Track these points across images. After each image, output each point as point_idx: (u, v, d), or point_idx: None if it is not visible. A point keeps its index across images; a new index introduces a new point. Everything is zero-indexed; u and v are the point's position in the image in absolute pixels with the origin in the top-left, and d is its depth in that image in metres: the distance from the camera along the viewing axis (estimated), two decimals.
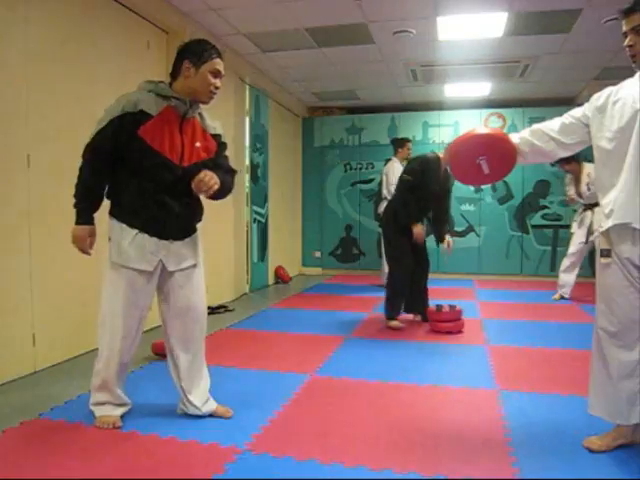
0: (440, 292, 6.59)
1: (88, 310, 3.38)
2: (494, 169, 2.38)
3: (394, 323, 4.53)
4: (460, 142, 2.45)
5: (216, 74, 2.37)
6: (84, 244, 2.35)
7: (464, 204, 8.08)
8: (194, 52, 2.34)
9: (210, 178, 2.30)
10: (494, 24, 5.00)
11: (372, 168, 8.38)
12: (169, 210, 2.39)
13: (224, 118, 5.88)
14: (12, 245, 3.12)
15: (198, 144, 2.43)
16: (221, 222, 5.90)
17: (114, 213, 2.39)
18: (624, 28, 2.02)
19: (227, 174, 2.56)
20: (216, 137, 2.54)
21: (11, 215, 3.10)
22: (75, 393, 2.87)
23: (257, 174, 6.85)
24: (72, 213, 2.35)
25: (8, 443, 2.26)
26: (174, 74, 2.40)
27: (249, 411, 2.62)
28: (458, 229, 8.10)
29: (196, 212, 2.60)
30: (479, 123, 7.78)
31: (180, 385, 2.56)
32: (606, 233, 2.14)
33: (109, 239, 2.39)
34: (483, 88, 7.43)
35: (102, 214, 2.41)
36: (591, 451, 2.18)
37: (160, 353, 3.57)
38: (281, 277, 7.63)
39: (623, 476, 1.99)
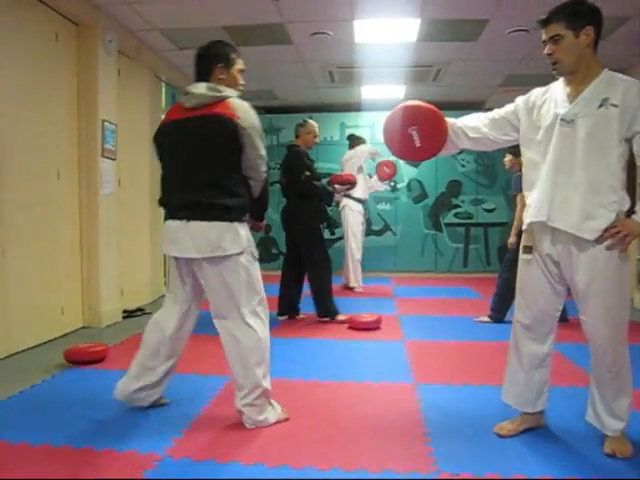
0: (357, 291, 6.73)
1: None
2: (425, 141, 2.42)
3: (341, 316, 4.65)
4: (394, 111, 2.50)
5: (241, 71, 2.60)
6: None
7: (380, 203, 8.28)
8: (223, 56, 2.54)
9: None
10: (408, 29, 5.16)
11: None
12: None
13: (139, 116, 5.73)
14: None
15: None
16: (137, 223, 5.74)
17: (237, 217, 2.42)
18: (543, 37, 2.13)
19: None
20: None
21: None
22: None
23: None
24: None
25: None
26: (202, 77, 2.56)
27: (168, 416, 2.57)
28: (375, 228, 8.30)
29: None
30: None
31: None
32: (529, 230, 2.26)
33: (243, 251, 2.45)
34: (398, 91, 7.62)
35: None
36: (500, 436, 2.32)
37: (74, 360, 3.43)
38: None
39: (529, 457, 2.13)
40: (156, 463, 2.08)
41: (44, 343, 3.98)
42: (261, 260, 8.03)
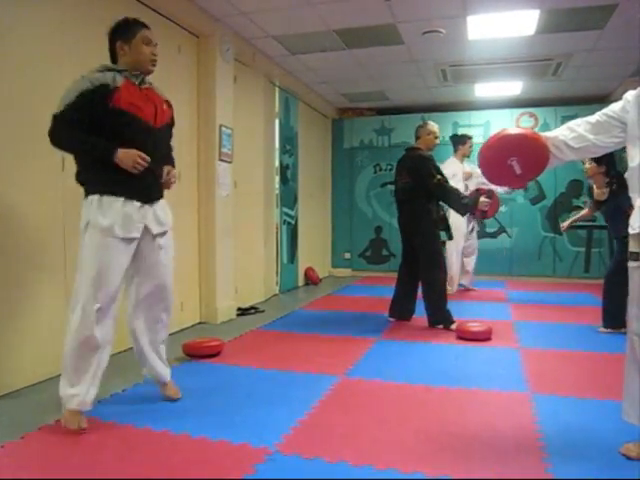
0: (471, 294, 6.53)
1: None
2: (526, 169, 2.33)
3: (455, 325, 4.44)
4: (491, 143, 2.42)
5: (148, 42, 2.53)
6: (136, 156, 2.38)
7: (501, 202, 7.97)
8: (122, 32, 2.51)
9: (175, 176, 2.67)
10: (525, 22, 4.92)
11: None
12: (151, 172, 2.50)
13: (254, 120, 5.93)
14: (48, 243, 3.20)
15: (165, 107, 2.64)
16: (251, 223, 5.95)
17: (94, 190, 2.41)
18: None
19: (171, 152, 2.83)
20: (169, 104, 2.73)
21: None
22: (109, 391, 2.91)
23: (287, 176, 6.88)
24: None
25: (44, 440, 2.32)
26: (114, 59, 2.56)
27: (279, 412, 2.63)
28: (489, 230, 8.01)
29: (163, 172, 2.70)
30: (510, 123, 7.68)
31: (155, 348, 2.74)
32: (637, 236, 2.07)
33: (87, 224, 2.40)
34: (514, 87, 7.33)
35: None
36: (629, 458, 2.12)
37: (192, 354, 3.62)
38: (311, 278, 7.65)
39: None
40: (267, 457, 2.13)
41: None
42: (372, 261, 7.98)
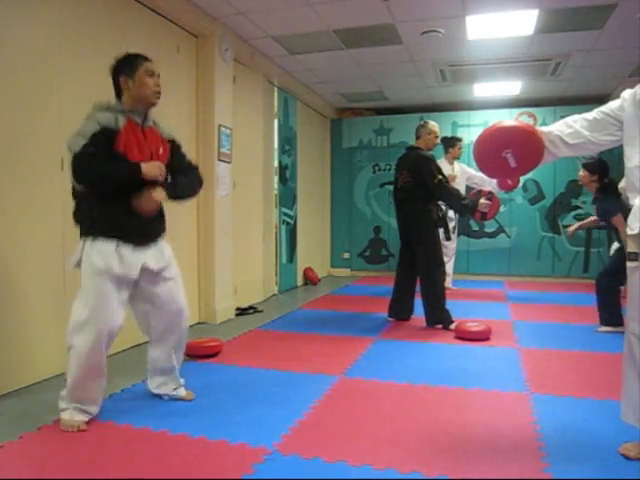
0: (470, 294, 6.53)
1: None
2: (521, 162, 2.31)
3: (455, 325, 4.43)
4: (486, 135, 2.41)
5: (151, 74, 2.53)
6: (157, 166, 2.45)
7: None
8: (125, 66, 2.52)
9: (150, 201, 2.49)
10: (524, 22, 4.92)
11: None
12: (146, 217, 2.50)
13: (253, 120, 5.93)
14: (47, 247, 3.19)
15: (161, 150, 2.60)
16: (250, 223, 5.95)
17: (89, 232, 2.44)
18: None
19: (194, 176, 2.79)
20: (170, 142, 2.71)
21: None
22: (108, 391, 2.91)
23: (286, 176, 6.89)
24: None
25: (43, 440, 2.32)
26: (118, 94, 2.55)
27: (278, 412, 2.63)
28: (488, 230, 8.02)
29: (163, 215, 2.71)
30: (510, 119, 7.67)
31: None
32: (636, 236, 2.06)
33: (79, 261, 2.43)
34: (513, 87, 7.33)
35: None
36: (627, 458, 2.12)
37: (191, 354, 3.61)
38: (310, 278, 7.65)
39: None
40: (266, 457, 2.13)
41: None
42: (370, 261, 7.99)
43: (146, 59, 2.55)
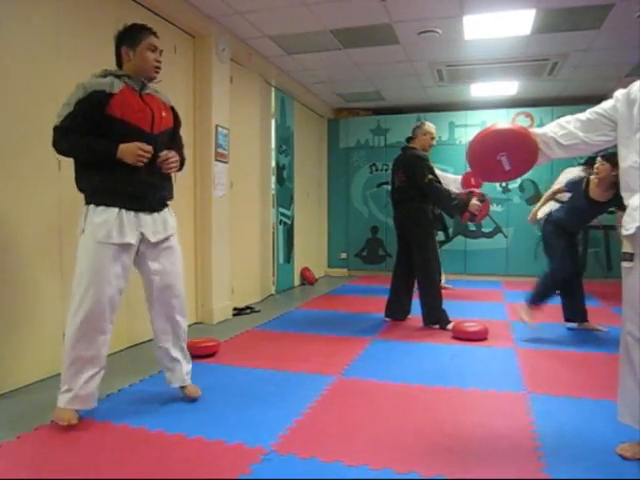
0: (467, 294, 6.53)
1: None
2: (515, 165, 2.31)
3: (452, 325, 4.43)
4: (480, 138, 2.41)
5: (153, 49, 2.53)
6: (136, 149, 2.39)
7: (491, 205, 7.97)
8: (128, 37, 2.51)
9: (174, 159, 2.57)
10: (521, 22, 4.93)
11: None
12: (147, 182, 2.50)
13: (250, 120, 5.93)
14: (44, 248, 3.18)
15: (164, 114, 2.60)
16: (247, 224, 5.94)
17: (89, 200, 2.45)
18: None
19: (182, 150, 2.79)
20: (173, 109, 2.73)
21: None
22: (104, 391, 2.90)
23: (283, 176, 6.88)
24: None
25: (40, 440, 2.31)
26: (119, 64, 2.56)
27: (275, 412, 2.63)
28: (485, 230, 8.02)
29: (169, 181, 2.70)
30: (504, 121, 7.68)
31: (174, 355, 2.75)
32: (631, 236, 2.05)
33: (82, 231, 2.44)
34: (510, 87, 7.34)
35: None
36: (624, 458, 2.12)
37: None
38: (307, 278, 7.65)
39: None
40: (263, 457, 2.13)
41: None
42: (368, 261, 7.98)
43: (151, 32, 2.55)
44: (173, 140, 2.70)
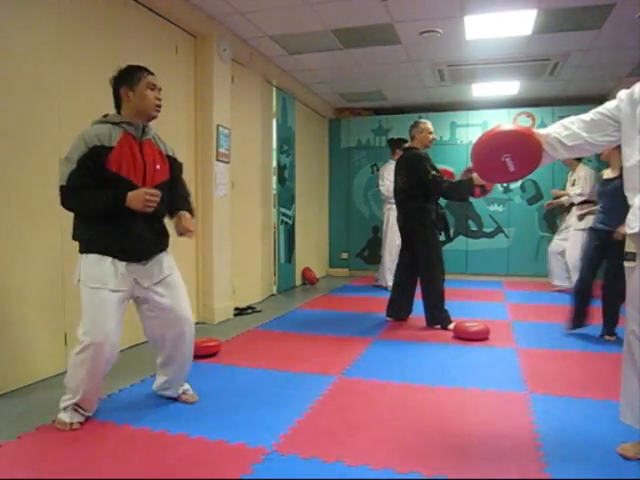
0: (468, 294, 6.53)
1: None
2: (519, 166, 2.31)
3: (453, 326, 4.41)
4: (485, 139, 2.41)
5: (152, 87, 2.51)
6: (144, 195, 2.38)
7: (493, 205, 7.98)
8: (127, 78, 2.49)
9: (193, 226, 2.65)
10: (523, 22, 4.93)
11: None
12: (139, 234, 2.49)
13: (251, 120, 5.93)
14: (46, 245, 3.19)
15: (158, 166, 2.55)
16: (249, 223, 5.94)
17: (86, 249, 2.45)
18: None
19: (188, 200, 2.81)
20: (171, 159, 2.67)
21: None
22: (106, 392, 2.91)
23: (284, 176, 6.88)
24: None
25: (41, 440, 2.31)
26: (118, 105, 2.54)
27: (276, 412, 2.63)
28: (486, 230, 8.02)
29: (164, 233, 2.69)
30: (508, 122, 7.68)
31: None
32: (635, 236, 2.06)
33: (79, 280, 2.44)
34: (512, 87, 7.34)
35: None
36: (626, 458, 2.12)
37: None
38: (308, 278, 7.64)
39: None
40: (265, 457, 2.13)
41: None
42: (369, 261, 7.95)
43: (148, 72, 2.52)
44: (174, 191, 2.67)
